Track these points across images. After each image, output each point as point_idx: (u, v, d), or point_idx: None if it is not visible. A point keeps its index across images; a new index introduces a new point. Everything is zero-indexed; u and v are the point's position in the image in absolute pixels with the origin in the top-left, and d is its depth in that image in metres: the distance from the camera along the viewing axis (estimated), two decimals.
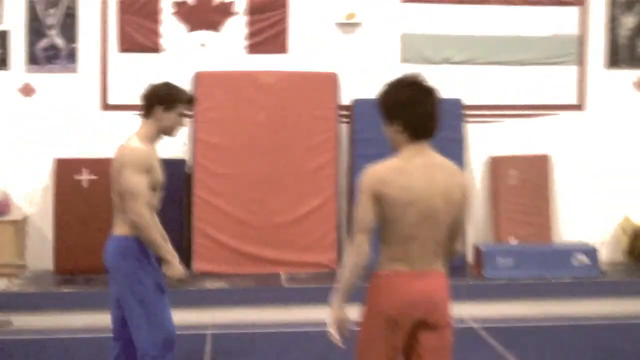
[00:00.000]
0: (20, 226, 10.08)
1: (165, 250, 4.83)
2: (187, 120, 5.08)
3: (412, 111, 3.87)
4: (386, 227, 3.83)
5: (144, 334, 4.86)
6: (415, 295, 3.83)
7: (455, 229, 3.94)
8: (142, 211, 4.71)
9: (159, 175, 4.89)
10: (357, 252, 3.82)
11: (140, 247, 4.82)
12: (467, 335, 7.13)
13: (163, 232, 5.07)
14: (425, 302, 3.84)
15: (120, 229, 4.86)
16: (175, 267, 4.85)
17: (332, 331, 3.91)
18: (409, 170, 3.83)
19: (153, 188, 4.84)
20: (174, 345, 5.01)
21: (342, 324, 3.88)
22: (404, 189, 3.78)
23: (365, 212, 3.79)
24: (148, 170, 4.77)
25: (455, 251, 4.04)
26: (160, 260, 4.89)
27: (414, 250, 3.82)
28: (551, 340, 7.15)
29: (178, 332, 7.18)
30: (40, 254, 10.10)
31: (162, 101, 4.89)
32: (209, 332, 7.32)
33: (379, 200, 3.78)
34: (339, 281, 3.87)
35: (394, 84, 3.95)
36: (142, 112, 4.96)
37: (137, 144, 4.82)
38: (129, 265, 4.81)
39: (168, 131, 4.97)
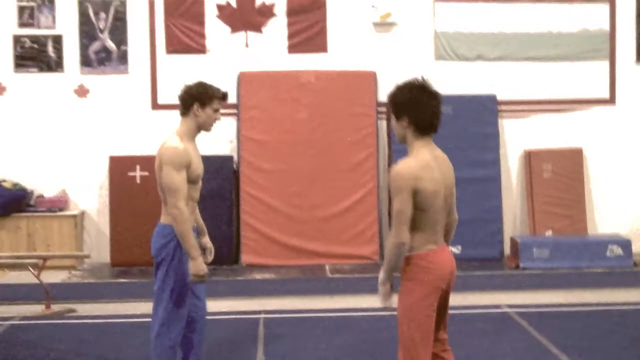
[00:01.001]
0: (77, 221, 10.61)
1: (192, 247, 5.15)
2: (220, 115, 5.48)
3: (419, 109, 4.46)
4: (419, 216, 4.39)
5: (157, 325, 5.27)
6: (449, 266, 4.52)
7: (454, 206, 4.65)
8: (179, 205, 5.13)
9: (198, 169, 5.32)
10: (399, 241, 4.35)
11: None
12: (503, 321, 7.52)
13: (202, 223, 5.56)
14: (453, 270, 4.56)
15: (165, 218, 5.31)
16: (198, 264, 5.18)
17: (382, 300, 4.54)
18: (430, 164, 4.43)
19: (193, 181, 5.28)
20: (192, 325, 5.41)
21: (387, 296, 4.52)
22: (432, 181, 4.38)
23: (405, 206, 4.33)
24: (187, 166, 5.21)
25: (457, 221, 4.72)
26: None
27: (438, 231, 4.49)
28: (583, 325, 7.46)
29: (232, 317, 7.76)
30: (98, 247, 10.64)
31: (197, 99, 5.32)
32: (261, 316, 7.78)
33: (415, 194, 4.34)
34: (385, 264, 4.44)
35: (403, 86, 4.54)
36: (180, 111, 5.40)
37: (176, 143, 5.25)
38: (168, 250, 5.24)
39: (205, 126, 5.41)
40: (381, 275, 4.48)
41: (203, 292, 5.51)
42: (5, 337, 7.23)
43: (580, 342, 6.84)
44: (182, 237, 5.15)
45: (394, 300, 4.50)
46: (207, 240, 5.61)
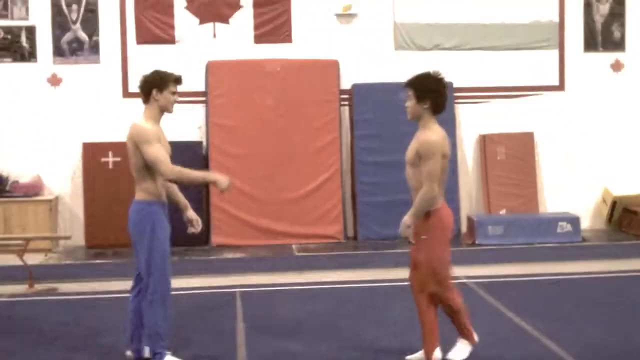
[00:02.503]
0: (52, 205, 11.00)
1: (204, 175, 6.16)
2: (178, 97, 5.96)
3: (439, 96, 5.61)
4: (441, 175, 5.56)
5: (149, 294, 5.79)
6: (452, 217, 5.78)
7: None
8: (170, 167, 5.68)
9: (166, 147, 5.85)
10: (433, 195, 5.49)
11: (156, 211, 5.77)
12: (462, 290, 8.06)
13: (183, 199, 6.09)
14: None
15: (139, 195, 5.84)
16: (219, 179, 5.77)
17: (404, 234, 5.58)
18: (446, 136, 5.66)
19: None
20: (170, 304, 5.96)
21: (409, 233, 5.55)
22: (448, 148, 5.64)
23: (437, 166, 5.50)
24: (159, 140, 5.74)
25: None
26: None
27: (443, 190, 5.67)
28: (534, 293, 8.08)
29: (210, 292, 8.24)
30: (72, 230, 11.01)
31: (155, 85, 5.83)
32: (237, 290, 8.28)
33: (442, 157, 5.53)
34: (415, 211, 5.52)
35: (426, 75, 5.66)
36: (142, 99, 5.91)
37: (143, 123, 5.80)
38: (145, 221, 5.75)
39: (166, 108, 5.90)
40: (408, 219, 5.53)
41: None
42: None
43: (531, 307, 7.43)
44: (193, 180, 5.98)
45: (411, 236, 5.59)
46: (192, 213, 6.10)
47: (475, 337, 5.92)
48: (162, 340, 5.84)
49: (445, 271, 5.73)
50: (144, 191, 5.78)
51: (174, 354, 5.98)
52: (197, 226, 6.12)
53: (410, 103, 5.67)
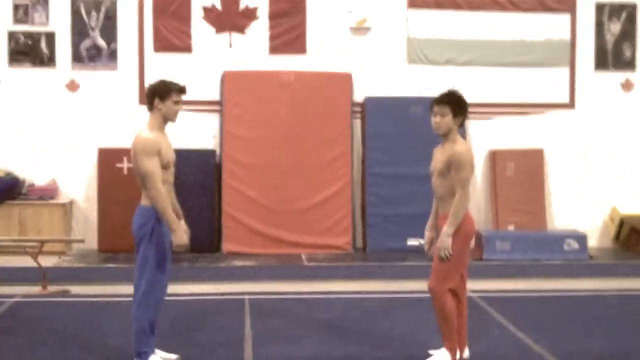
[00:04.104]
0: (67, 209, 11.18)
1: (173, 221, 5.90)
2: (182, 106, 6.12)
3: (467, 112, 6.09)
4: None
5: (139, 295, 5.96)
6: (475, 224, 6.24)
7: None
8: (157, 186, 5.83)
9: (168, 155, 5.99)
10: (466, 200, 5.91)
11: (158, 218, 5.89)
12: (469, 304, 8.18)
13: (177, 207, 6.21)
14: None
15: (144, 201, 5.98)
16: (179, 235, 5.91)
17: (445, 244, 5.94)
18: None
19: (164, 167, 5.96)
20: (161, 310, 6.09)
21: (449, 243, 5.93)
22: (473, 159, 6.05)
23: (469, 175, 5.95)
24: (157, 152, 5.88)
25: None
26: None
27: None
28: (539, 309, 8.17)
29: (220, 298, 8.37)
30: (85, 234, 11.19)
31: (157, 94, 6.00)
32: (246, 297, 8.42)
33: (471, 168, 5.95)
34: (454, 220, 5.89)
35: (458, 93, 6.09)
36: (147, 107, 6.08)
37: (146, 134, 5.95)
38: (147, 228, 5.90)
39: (168, 117, 6.05)
40: (450, 231, 5.91)
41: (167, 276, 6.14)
42: (9, 313, 7.80)
43: (535, 322, 7.52)
44: (162, 213, 5.86)
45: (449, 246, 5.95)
46: (183, 223, 6.22)
47: (462, 355, 6.15)
48: (147, 340, 5.98)
49: (461, 270, 6.12)
50: (148, 197, 5.94)
51: (182, 356, 6.14)
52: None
53: (445, 119, 6.02)
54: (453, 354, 6.11)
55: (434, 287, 6.06)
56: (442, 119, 6.01)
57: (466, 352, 6.22)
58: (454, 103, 6.01)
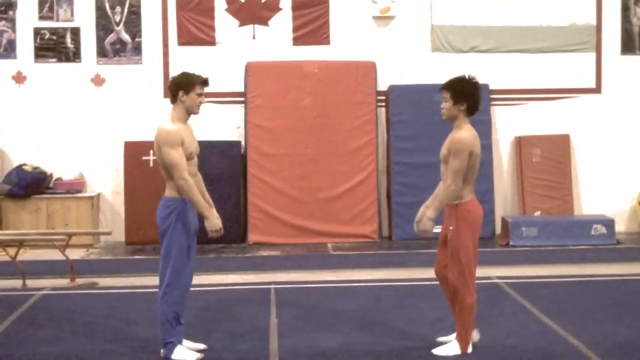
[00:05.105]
0: (94, 202, 11.29)
1: (204, 207, 5.98)
2: (204, 99, 6.16)
3: (475, 98, 6.02)
4: (470, 172, 5.97)
5: (163, 286, 6.02)
6: (481, 210, 6.13)
7: None
8: (184, 176, 5.89)
9: (192, 146, 6.05)
10: (457, 189, 5.89)
11: (182, 209, 5.96)
12: (494, 290, 8.19)
13: (208, 196, 6.27)
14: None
15: (168, 192, 6.05)
16: (212, 220, 6.00)
17: (426, 231, 6.04)
18: (477, 135, 6.02)
19: (188, 158, 6.01)
20: (186, 301, 6.15)
21: (430, 226, 6.01)
22: (479, 147, 6.02)
23: (464, 163, 5.88)
24: (181, 143, 5.93)
25: None
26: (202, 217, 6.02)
27: (475, 184, 6.05)
28: (566, 294, 8.12)
29: (246, 288, 8.43)
30: (113, 227, 11.30)
31: (181, 87, 6.05)
32: (272, 286, 8.46)
33: (470, 155, 5.90)
34: (438, 204, 5.99)
35: (463, 79, 6.04)
36: (170, 100, 6.13)
37: (168, 125, 6.01)
38: (171, 219, 5.96)
39: (192, 109, 6.10)
40: (432, 213, 5.99)
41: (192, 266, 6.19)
42: (39, 305, 7.89)
43: (561, 307, 7.50)
44: (193, 202, 5.93)
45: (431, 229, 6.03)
46: (214, 211, 6.24)
47: (469, 349, 6.12)
48: (173, 330, 6.04)
49: (468, 261, 6.02)
50: (172, 188, 5.99)
51: (209, 346, 6.21)
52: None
53: (447, 104, 6.04)
54: (464, 347, 6.11)
55: (453, 279, 6.05)
56: (445, 105, 6.04)
57: (476, 335, 6.25)
58: (453, 89, 6.00)
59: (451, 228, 6.02)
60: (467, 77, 6.07)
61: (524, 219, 11.28)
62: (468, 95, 5.98)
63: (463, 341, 6.10)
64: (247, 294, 8.24)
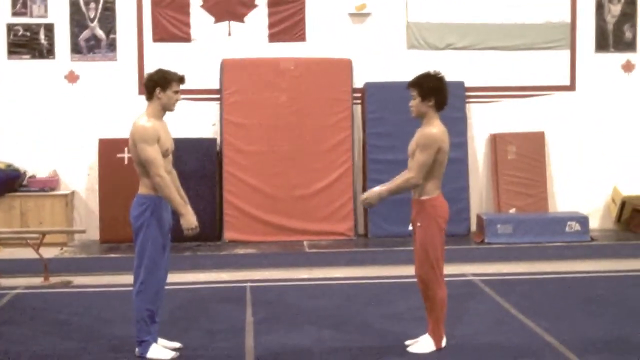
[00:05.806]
0: (68, 200, 11.21)
1: (180, 205, 5.96)
2: (180, 96, 6.15)
3: (442, 93, 6.01)
4: (436, 168, 5.97)
5: (138, 284, 5.99)
6: (447, 207, 6.13)
7: None
8: (161, 173, 5.87)
9: (167, 143, 6.02)
10: (417, 182, 5.94)
11: (156, 206, 5.93)
12: (468, 287, 8.22)
13: (183, 193, 6.23)
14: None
15: (141, 190, 6.02)
16: (188, 217, 5.96)
17: (370, 203, 6.08)
18: (446, 131, 6.03)
19: (164, 155, 5.98)
20: (161, 299, 6.11)
21: (374, 201, 6.06)
22: (447, 144, 6.01)
23: (429, 159, 5.89)
24: (157, 140, 5.90)
25: None
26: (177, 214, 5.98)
27: (441, 181, 6.06)
28: (540, 290, 8.17)
29: (222, 286, 8.40)
30: (87, 225, 11.18)
31: (158, 84, 6.02)
32: (247, 285, 8.44)
33: (438, 151, 5.91)
34: (394, 188, 6.04)
35: (428, 75, 6.04)
36: (146, 96, 6.09)
37: (144, 121, 5.97)
38: (145, 216, 5.93)
39: (168, 106, 6.08)
40: (384, 193, 6.04)
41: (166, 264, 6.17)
42: (12, 304, 7.83)
43: (536, 304, 7.54)
44: (169, 199, 5.90)
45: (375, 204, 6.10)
46: (189, 208, 6.20)
47: (443, 343, 6.15)
48: (148, 329, 6.01)
49: (437, 256, 6.03)
50: (146, 186, 5.96)
51: (184, 345, 6.18)
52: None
53: (415, 102, 6.04)
54: (438, 342, 6.13)
55: (423, 274, 6.06)
56: (413, 102, 6.04)
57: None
58: (420, 86, 6.00)
59: (419, 224, 6.06)
60: (432, 72, 6.07)
61: (499, 216, 11.33)
62: (435, 90, 5.98)
63: (437, 336, 6.12)
64: (223, 292, 8.21)
